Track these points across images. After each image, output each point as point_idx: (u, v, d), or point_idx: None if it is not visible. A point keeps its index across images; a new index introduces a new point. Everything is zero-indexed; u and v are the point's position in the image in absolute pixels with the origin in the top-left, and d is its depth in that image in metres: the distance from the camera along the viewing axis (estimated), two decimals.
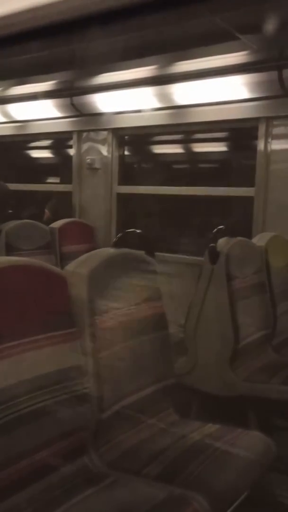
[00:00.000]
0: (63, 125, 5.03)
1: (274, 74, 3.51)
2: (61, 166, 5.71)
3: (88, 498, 1.66)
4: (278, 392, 2.72)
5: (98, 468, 1.85)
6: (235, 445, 1.98)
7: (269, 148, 3.89)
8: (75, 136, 4.99)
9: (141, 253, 2.32)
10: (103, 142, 4.83)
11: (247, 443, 2.02)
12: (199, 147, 5.01)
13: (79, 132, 4.96)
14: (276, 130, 3.87)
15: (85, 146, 4.97)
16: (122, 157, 4.88)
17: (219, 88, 3.84)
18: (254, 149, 3.98)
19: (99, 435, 1.91)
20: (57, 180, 5.91)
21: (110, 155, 4.78)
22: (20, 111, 5.12)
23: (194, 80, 3.85)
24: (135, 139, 5.07)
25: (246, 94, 3.76)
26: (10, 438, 1.57)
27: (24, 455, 1.61)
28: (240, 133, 4.43)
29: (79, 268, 1.99)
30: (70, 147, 5.13)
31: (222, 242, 2.97)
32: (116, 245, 2.25)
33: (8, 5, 1.26)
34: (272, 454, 2.00)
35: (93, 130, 4.88)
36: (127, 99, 4.35)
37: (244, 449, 1.97)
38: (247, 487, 1.82)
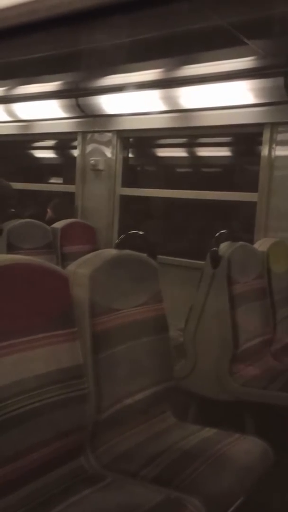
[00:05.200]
0: (67, 126, 5.04)
1: (280, 80, 3.52)
2: (65, 167, 5.71)
3: (84, 499, 1.66)
4: (276, 398, 2.71)
5: (95, 469, 1.84)
6: (232, 450, 1.98)
7: (273, 154, 3.90)
8: (79, 137, 5.00)
9: (143, 255, 2.32)
10: (107, 143, 4.83)
11: (245, 448, 2.01)
12: (203, 151, 5.01)
13: (84, 133, 4.97)
14: (280, 136, 3.87)
15: (89, 147, 4.97)
16: (126, 159, 4.89)
17: (225, 93, 3.84)
18: (258, 154, 3.99)
19: (96, 436, 1.91)
20: (60, 180, 5.91)
21: (114, 157, 4.78)
22: (25, 110, 5.13)
23: (200, 84, 3.86)
24: (140, 141, 5.07)
25: (251, 100, 3.77)
26: (7, 436, 1.56)
27: (20, 454, 1.60)
28: (244, 138, 4.44)
29: (81, 268, 1.99)
30: (74, 148, 5.13)
31: (224, 246, 2.98)
32: (119, 246, 2.25)
33: None
34: (270, 459, 1.99)
35: (97, 132, 4.88)
36: (132, 101, 4.35)
37: (241, 454, 1.97)
38: (244, 492, 1.81)
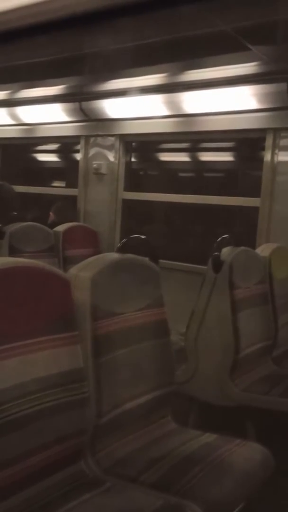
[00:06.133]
0: (70, 130, 5.05)
1: (283, 85, 3.53)
2: (68, 170, 5.72)
3: (83, 504, 1.65)
4: (277, 403, 2.70)
5: (95, 473, 1.84)
6: (233, 456, 1.97)
7: (276, 159, 3.90)
8: (82, 141, 5.01)
9: (145, 259, 2.32)
10: (110, 147, 4.84)
11: (245, 454, 2.01)
12: (206, 156, 5.02)
13: (87, 137, 4.98)
14: (283, 142, 3.88)
15: (92, 151, 4.98)
16: (128, 163, 4.89)
17: (228, 98, 3.85)
18: (260, 159, 3.99)
19: (96, 440, 1.90)
20: (63, 184, 5.92)
21: (116, 161, 4.79)
22: (28, 114, 5.14)
23: (203, 89, 3.87)
24: (143, 146, 5.08)
25: (254, 105, 3.77)
26: (7, 440, 1.56)
27: (20, 458, 1.60)
28: (247, 143, 4.44)
29: (82, 272, 1.99)
30: (77, 151, 5.14)
31: (226, 251, 2.97)
32: (120, 250, 2.25)
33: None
34: (270, 465, 1.98)
35: (100, 136, 4.89)
36: (136, 105, 4.36)
37: (242, 459, 1.96)
38: (244, 498, 1.80)
